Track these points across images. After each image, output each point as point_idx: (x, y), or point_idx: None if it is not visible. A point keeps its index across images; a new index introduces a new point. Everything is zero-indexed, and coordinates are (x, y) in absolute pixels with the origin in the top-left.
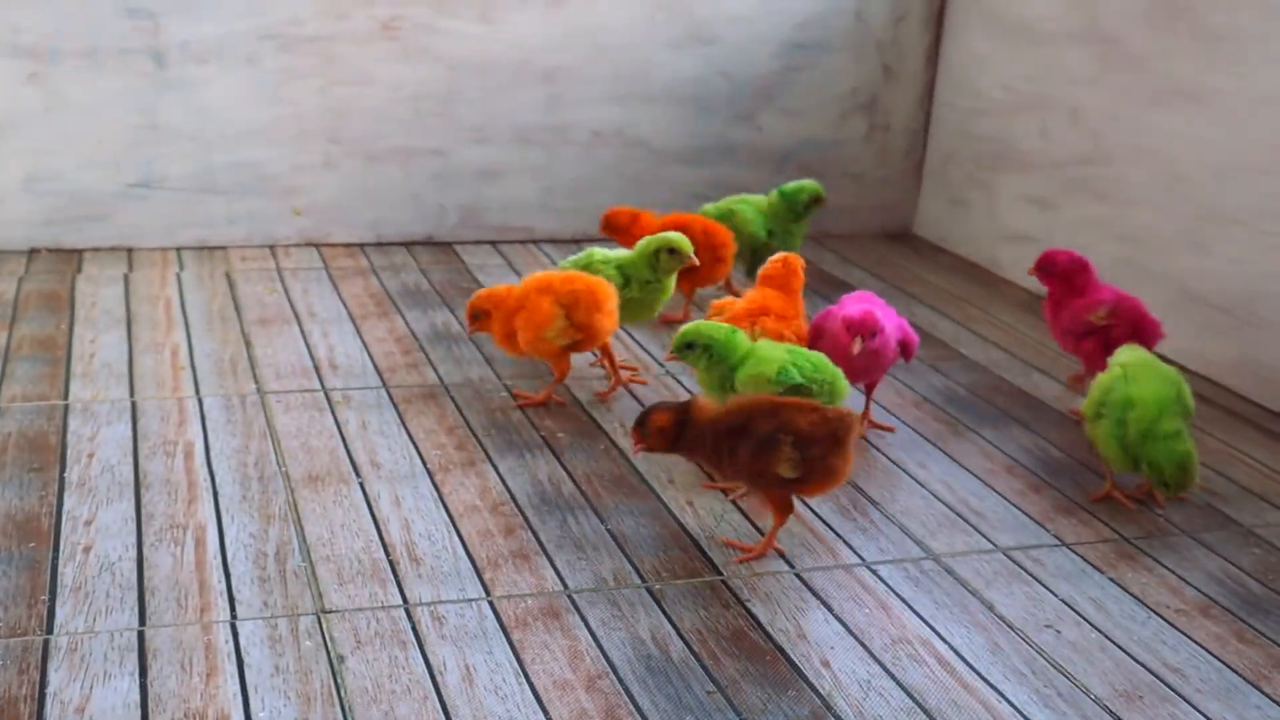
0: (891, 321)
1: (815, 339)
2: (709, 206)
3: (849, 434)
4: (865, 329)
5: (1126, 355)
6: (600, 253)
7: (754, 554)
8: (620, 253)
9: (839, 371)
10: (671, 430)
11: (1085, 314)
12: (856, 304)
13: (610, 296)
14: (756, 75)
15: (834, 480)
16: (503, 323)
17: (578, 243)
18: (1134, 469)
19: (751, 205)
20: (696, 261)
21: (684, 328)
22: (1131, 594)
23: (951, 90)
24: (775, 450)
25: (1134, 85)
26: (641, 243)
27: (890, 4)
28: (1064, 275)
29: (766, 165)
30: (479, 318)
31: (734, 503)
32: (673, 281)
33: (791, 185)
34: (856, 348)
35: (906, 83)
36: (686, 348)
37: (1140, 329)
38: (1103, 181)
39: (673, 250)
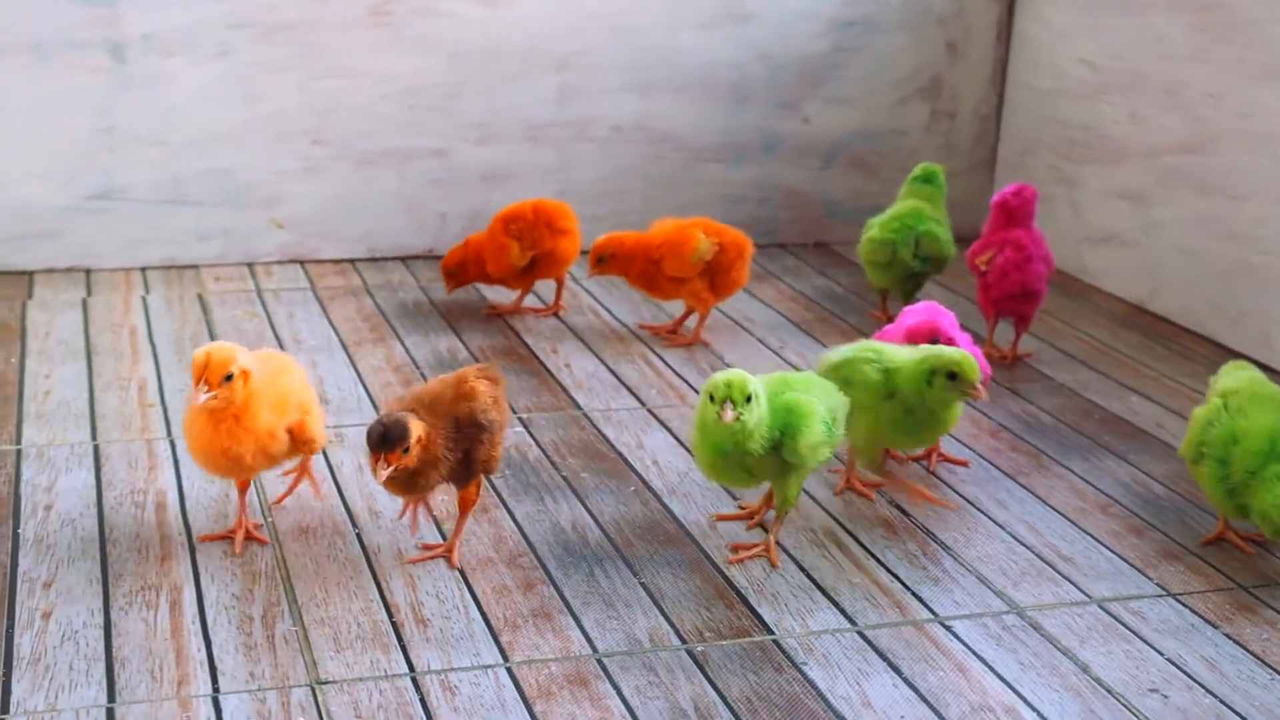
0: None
1: None
2: (875, 236)
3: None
4: (921, 338)
5: (1232, 379)
6: (875, 346)
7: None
8: (896, 349)
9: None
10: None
11: (974, 258)
12: (918, 317)
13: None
14: (801, 58)
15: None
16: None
17: None
18: (1244, 517)
19: (932, 218)
20: (984, 394)
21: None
22: (1251, 652)
23: (1027, 69)
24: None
25: (1242, 58)
26: (918, 355)
27: None
28: (1000, 209)
29: (814, 161)
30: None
31: (786, 551)
32: (956, 412)
33: (926, 168)
34: None
35: (974, 62)
36: None
37: (1006, 284)
38: (1207, 172)
39: (953, 375)
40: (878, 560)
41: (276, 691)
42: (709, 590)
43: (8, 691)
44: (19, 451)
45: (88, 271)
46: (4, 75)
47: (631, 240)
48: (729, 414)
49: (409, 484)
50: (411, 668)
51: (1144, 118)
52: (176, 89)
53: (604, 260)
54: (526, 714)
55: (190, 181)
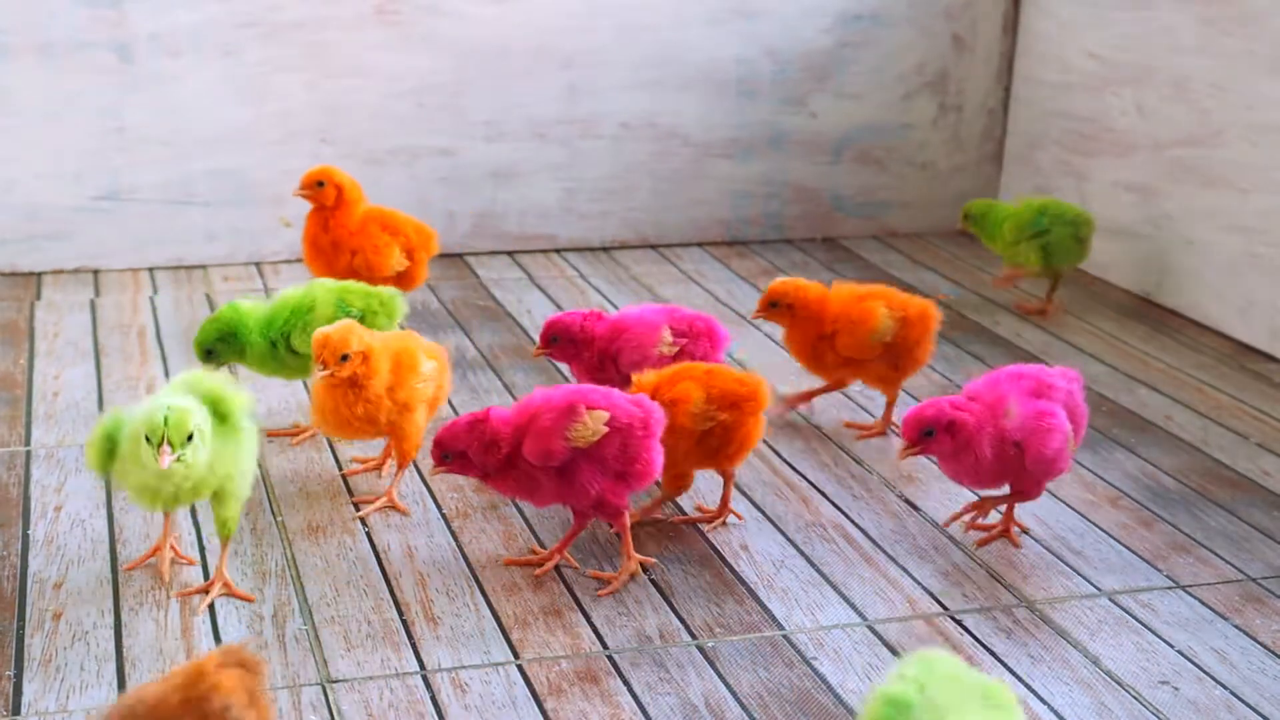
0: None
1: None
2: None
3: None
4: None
5: None
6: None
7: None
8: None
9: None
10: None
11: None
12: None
13: None
14: (807, 53)
15: None
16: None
17: (606, 250)
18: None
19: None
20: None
21: None
22: (1260, 643)
23: (1033, 62)
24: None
25: (1247, 50)
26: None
27: None
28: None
29: (821, 156)
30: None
31: (796, 547)
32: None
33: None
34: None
35: (981, 55)
36: None
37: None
38: (1213, 164)
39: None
40: (887, 555)
41: (287, 690)
42: (719, 586)
43: (19, 692)
44: (29, 453)
45: (96, 272)
46: (12, 76)
47: (815, 296)
48: (166, 459)
49: None
50: (422, 666)
51: (1151, 110)
52: (184, 89)
53: (777, 306)
54: (537, 711)
55: (198, 181)
